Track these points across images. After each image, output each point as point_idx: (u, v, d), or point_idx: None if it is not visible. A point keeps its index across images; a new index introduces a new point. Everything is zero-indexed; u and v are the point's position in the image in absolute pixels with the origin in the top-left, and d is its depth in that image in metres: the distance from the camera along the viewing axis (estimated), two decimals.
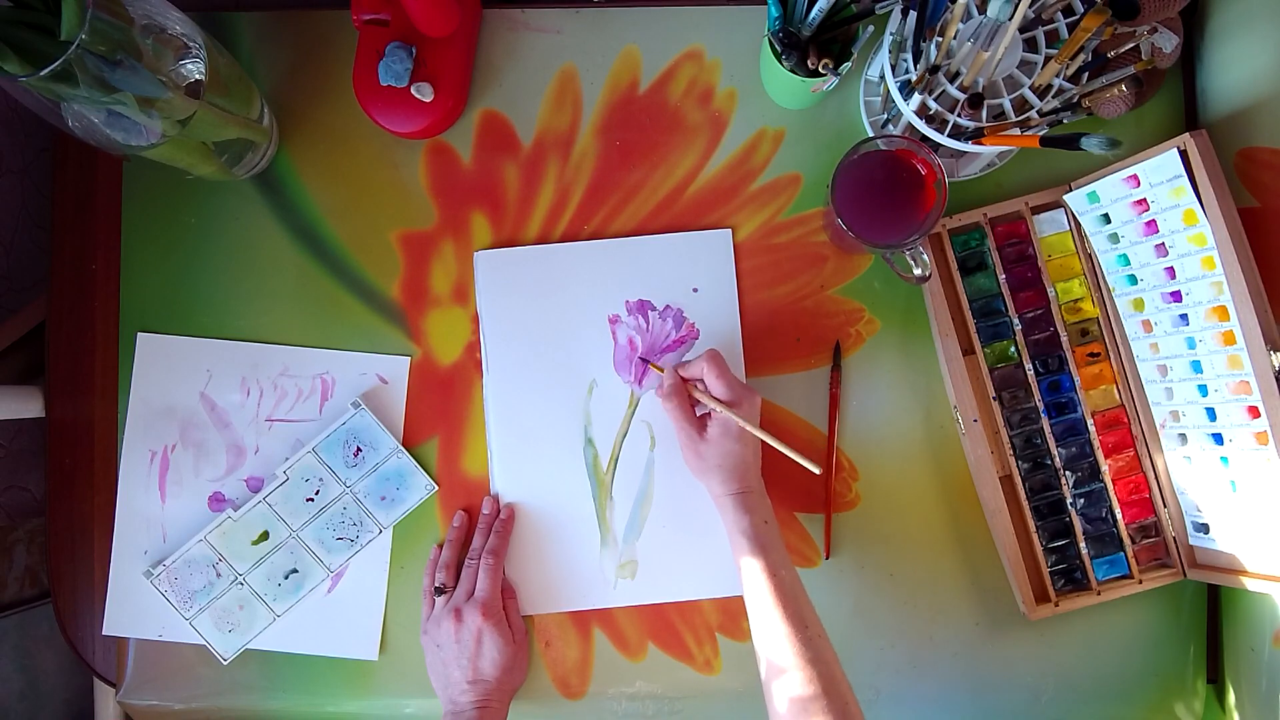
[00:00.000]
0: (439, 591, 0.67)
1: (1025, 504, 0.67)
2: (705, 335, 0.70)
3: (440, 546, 0.69)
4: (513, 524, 0.69)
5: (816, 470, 0.60)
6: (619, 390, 0.70)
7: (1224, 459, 0.62)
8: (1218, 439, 0.62)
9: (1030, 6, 0.56)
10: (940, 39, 0.58)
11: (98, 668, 0.70)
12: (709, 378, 0.62)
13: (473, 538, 0.69)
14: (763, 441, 0.63)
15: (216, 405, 0.70)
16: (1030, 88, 0.59)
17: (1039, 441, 0.68)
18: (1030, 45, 0.60)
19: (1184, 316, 0.62)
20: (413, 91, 0.66)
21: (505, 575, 0.69)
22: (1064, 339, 0.67)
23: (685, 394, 0.64)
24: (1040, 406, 0.67)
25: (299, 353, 0.70)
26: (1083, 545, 0.67)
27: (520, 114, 0.71)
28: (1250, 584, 0.61)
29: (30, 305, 0.74)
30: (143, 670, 0.70)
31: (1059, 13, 0.60)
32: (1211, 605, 0.70)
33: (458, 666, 0.64)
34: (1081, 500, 0.67)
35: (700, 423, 0.64)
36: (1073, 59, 0.57)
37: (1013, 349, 0.68)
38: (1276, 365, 0.57)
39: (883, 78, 0.64)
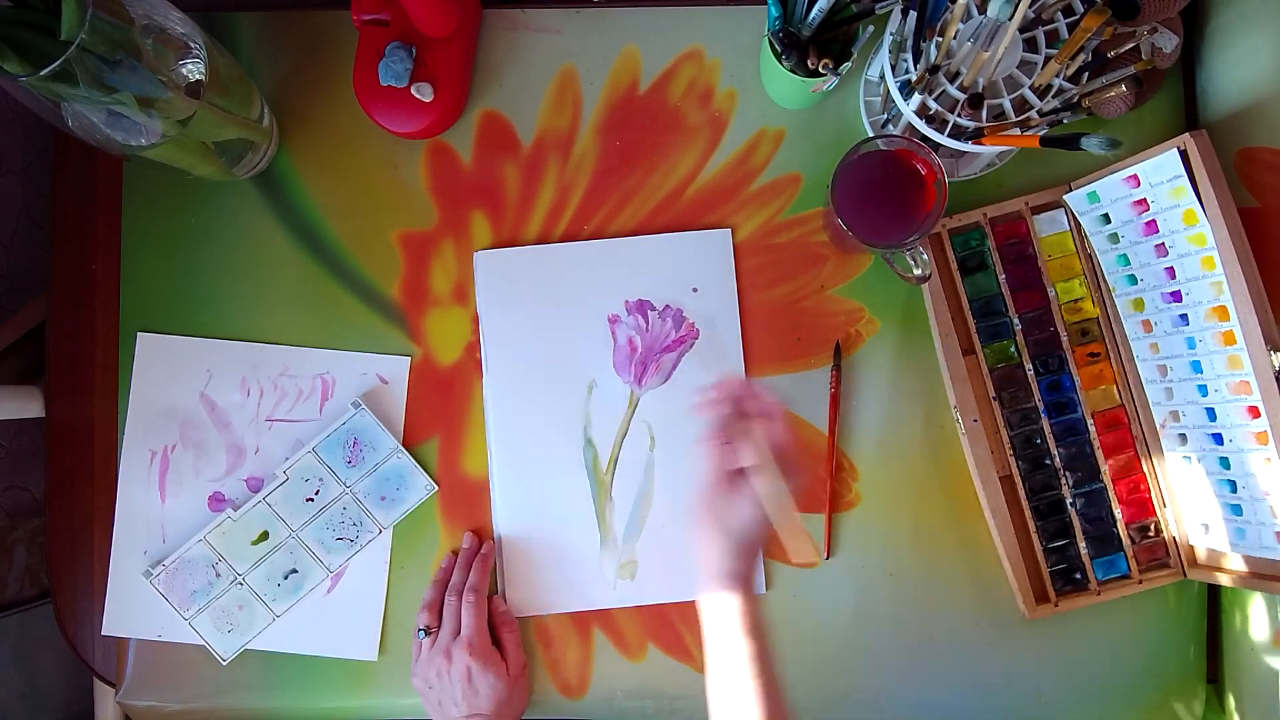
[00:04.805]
0: (424, 633, 0.66)
1: (1025, 504, 0.67)
2: (705, 335, 0.70)
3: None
4: (493, 559, 0.69)
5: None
6: (619, 390, 0.70)
7: (1224, 459, 0.62)
8: (1217, 439, 0.62)
9: (1030, 6, 0.56)
10: (940, 39, 0.58)
11: (98, 668, 0.70)
12: (776, 434, 0.52)
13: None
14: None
15: (216, 405, 0.70)
16: (1030, 88, 0.59)
17: (1039, 441, 0.67)
18: (1030, 45, 0.60)
19: (1184, 316, 0.62)
20: (413, 91, 0.66)
21: (506, 606, 0.68)
22: (1064, 339, 0.67)
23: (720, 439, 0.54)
24: (1040, 406, 0.67)
25: (299, 353, 0.70)
26: (1082, 545, 0.67)
27: (520, 114, 0.71)
28: (1250, 584, 0.61)
29: (30, 305, 0.74)
30: (142, 670, 0.69)
31: (1059, 13, 0.60)
32: (1211, 605, 0.70)
33: (452, 703, 0.63)
34: (1081, 500, 0.67)
35: (736, 474, 0.53)
36: (1073, 59, 0.57)
37: (1013, 349, 0.68)
38: (1276, 365, 0.57)
39: (883, 78, 0.64)
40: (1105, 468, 0.67)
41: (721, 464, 0.53)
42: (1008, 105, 0.60)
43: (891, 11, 0.61)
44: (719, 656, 0.52)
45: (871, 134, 0.69)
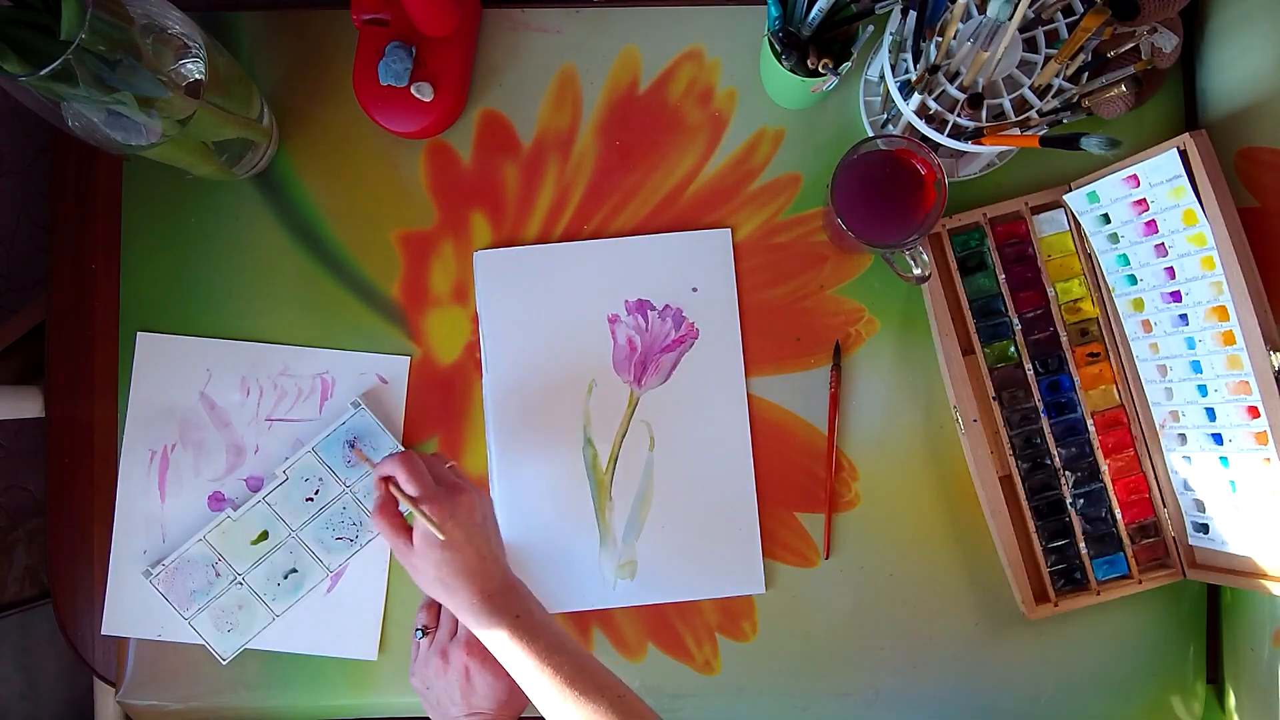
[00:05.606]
0: (422, 633, 0.65)
1: (1025, 504, 0.67)
2: (705, 335, 0.70)
3: None
4: None
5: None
6: (618, 390, 0.70)
7: (1223, 459, 0.62)
8: (1217, 439, 0.62)
9: (1030, 6, 0.56)
10: (940, 39, 0.58)
11: (98, 668, 0.70)
12: (400, 477, 0.56)
13: None
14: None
15: (216, 405, 0.70)
16: (1030, 88, 0.59)
17: (1039, 441, 0.67)
18: (1030, 45, 0.60)
19: (1184, 316, 0.62)
20: (413, 91, 0.66)
21: None
22: (1064, 339, 0.67)
23: (392, 504, 0.57)
24: (1040, 406, 0.67)
25: (299, 352, 0.70)
26: (1082, 545, 0.67)
27: (520, 114, 0.71)
28: (1250, 584, 0.61)
29: (30, 305, 0.74)
30: (142, 670, 0.69)
31: (1059, 13, 0.60)
32: (1211, 605, 0.70)
33: (451, 703, 0.62)
34: (1081, 500, 0.67)
35: (410, 533, 0.56)
36: (1073, 59, 0.57)
37: (1012, 349, 0.68)
38: (1276, 365, 0.57)
39: (883, 78, 0.64)
40: (1105, 468, 0.67)
41: (390, 529, 0.56)
42: (1008, 105, 0.60)
43: (891, 11, 0.61)
44: (519, 680, 0.54)
45: (871, 134, 0.69)
